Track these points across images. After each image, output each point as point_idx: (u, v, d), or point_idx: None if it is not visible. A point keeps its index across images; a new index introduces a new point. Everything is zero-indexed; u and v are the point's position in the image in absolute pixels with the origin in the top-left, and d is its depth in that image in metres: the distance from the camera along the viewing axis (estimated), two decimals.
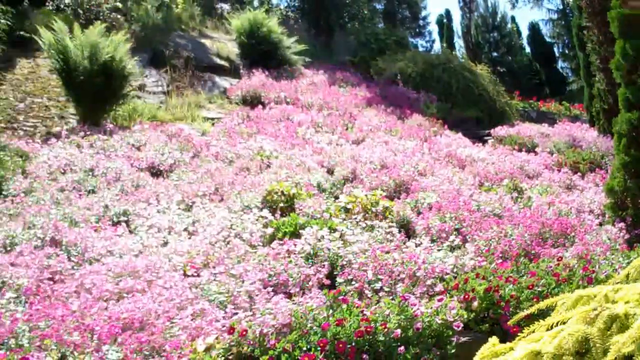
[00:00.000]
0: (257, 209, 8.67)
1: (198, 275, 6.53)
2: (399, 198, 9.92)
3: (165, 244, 7.65)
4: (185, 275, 6.60)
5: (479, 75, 21.23)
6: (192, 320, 5.42)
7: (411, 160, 11.83)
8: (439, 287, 6.37)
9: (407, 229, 8.84)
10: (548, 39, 35.71)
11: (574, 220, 8.98)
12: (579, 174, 12.52)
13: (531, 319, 4.57)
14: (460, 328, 5.49)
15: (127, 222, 8.37)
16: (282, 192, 8.87)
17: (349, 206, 8.80)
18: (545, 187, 11.30)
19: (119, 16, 18.93)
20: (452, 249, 7.90)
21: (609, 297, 4.04)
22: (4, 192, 9.03)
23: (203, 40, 20.98)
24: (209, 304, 5.79)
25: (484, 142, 16.41)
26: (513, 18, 36.58)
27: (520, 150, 14.70)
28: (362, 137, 13.95)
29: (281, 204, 8.83)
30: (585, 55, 16.27)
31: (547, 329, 3.85)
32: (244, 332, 5.06)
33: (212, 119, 15.39)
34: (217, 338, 5.18)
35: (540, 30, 34.84)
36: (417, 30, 37.06)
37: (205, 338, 5.21)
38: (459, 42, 37.20)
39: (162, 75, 17.48)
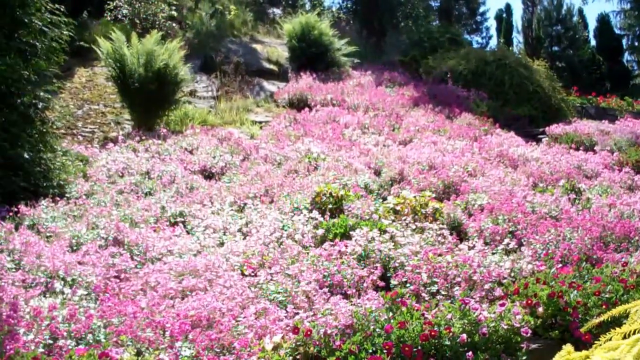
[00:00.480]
0: (306, 211, 9.22)
1: (255, 275, 7.06)
2: (448, 199, 10.16)
3: (222, 244, 8.31)
4: (242, 274, 7.13)
5: (535, 71, 21.33)
6: (256, 319, 5.80)
7: (460, 161, 12.12)
8: (498, 291, 6.49)
9: (458, 231, 8.99)
10: (617, 31, 35.61)
11: (638, 223, 8.74)
12: None
13: (602, 326, 4.60)
14: (528, 334, 5.53)
15: (183, 222, 9.06)
16: (331, 193, 9.47)
17: (398, 208, 9.22)
18: (605, 187, 11.20)
19: (174, 24, 20.03)
20: (507, 252, 8.01)
21: None
22: (67, 195, 9.79)
23: (254, 45, 21.87)
24: (269, 303, 6.19)
25: (539, 140, 16.48)
26: (581, 11, 36.70)
27: (577, 149, 14.66)
28: (409, 137, 14.41)
29: (330, 206, 9.37)
30: None
31: (624, 337, 3.77)
32: (309, 333, 5.35)
33: (260, 122, 16.16)
34: (282, 337, 5.45)
35: (609, 22, 34.78)
36: (474, 26, 37.47)
37: (272, 337, 5.50)
38: (517, 38, 37.45)
39: (212, 80, 18.38)
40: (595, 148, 14.85)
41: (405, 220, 8.80)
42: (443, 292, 6.68)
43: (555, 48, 34.50)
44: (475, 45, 34.82)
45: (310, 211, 9.23)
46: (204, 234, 8.51)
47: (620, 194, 10.77)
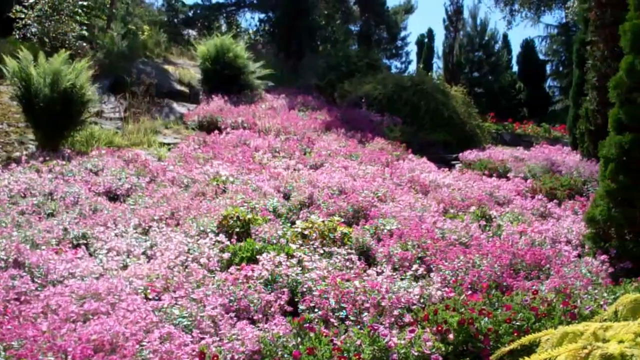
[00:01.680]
0: (213, 234, 9.48)
1: (159, 299, 7.28)
2: (357, 224, 10.48)
3: (125, 267, 8.51)
4: (146, 298, 7.33)
5: (452, 96, 22.22)
6: (160, 344, 5.95)
7: (371, 186, 12.53)
8: (408, 317, 6.78)
9: (367, 257, 9.37)
10: (542, 57, 36.95)
11: (549, 251, 9.21)
12: (555, 201, 12.85)
13: (514, 354, 4.72)
14: None
15: (86, 245, 9.25)
16: (238, 217, 9.89)
17: (306, 232, 9.58)
18: (516, 215, 11.61)
19: (84, 44, 20.20)
20: (417, 278, 8.29)
21: (598, 335, 4.10)
22: None
23: (166, 67, 22.25)
24: (174, 328, 6.37)
25: (452, 166, 17.13)
26: (505, 36, 37.88)
27: (490, 176, 15.18)
28: (320, 161, 14.85)
29: (237, 229, 9.74)
30: (582, 72, 16.67)
31: None
32: (215, 358, 5.63)
33: (169, 144, 16.46)
34: None
35: (534, 47, 36.07)
36: (394, 51, 38.36)
37: None
38: (438, 63, 38.28)
39: (120, 101, 18.62)
40: (509, 175, 15.37)
41: (313, 244, 9.16)
42: (352, 318, 7.03)
43: (476, 74, 35.56)
44: (394, 70, 35.84)
45: (217, 235, 9.50)
46: (107, 256, 8.71)
47: (532, 221, 11.28)
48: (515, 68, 36.93)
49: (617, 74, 9.30)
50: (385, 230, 10.25)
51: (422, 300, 7.58)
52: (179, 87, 20.97)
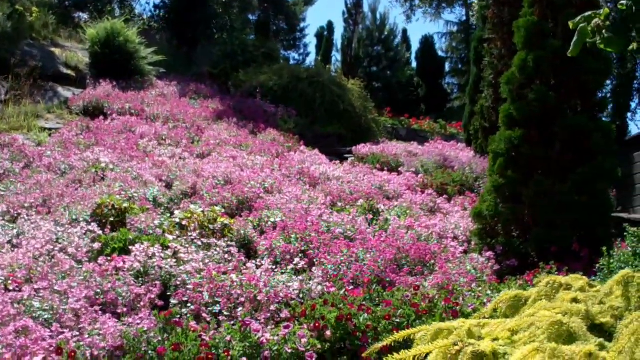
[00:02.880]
0: (86, 223, 9.18)
1: (20, 291, 6.91)
2: (241, 216, 10.37)
3: None
4: (6, 290, 6.97)
5: (348, 90, 22.12)
6: (15, 338, 5.65)
7: (258, 177, 12.36)
8: (285, 313, 6.60)
9: (248, 249, 9.20)
10: (441, 53, 37.24)
11: (435, 246, 9.15)
12: (445, 196, 12.90)
13: (391, 351, 4.49)
14: (314, 359, 5.74)
15: None
16: (113, 205, 9.58)
17: (185, 222, 9.33)
18: (404, 209, 11.50)
19: None
20: (298, 272, 8.09)
21: (473, 332, 4.15)
22: None
23: (53, 49, 21.44)
24: (32, 322, 6.04)
25: (345, 159, 17.08)
26: (405, 31, 38.01)
27: (382, 170, 15.20)
28: (208, 151, 14.65)
29: (112, 219, 9.42)
30: (479, 70, 16.86)
31: None
32: (73, 354, 5.40)
33: (50, 129, 15.93)
34: (44, 359, 5.44)
35: (433, 44, 36.10)
36: (292, 42, 38.20)
37: (32, 358, 5.42)
38: (337, 56, 38.30)
39: (1, 84, 17.91)
40: (400, 169, 15.40)
41: (191, 236, 8.89)
42: (226, 313, 6.84)
43: (374, 68, 35.53)
44: (292, 62, 35.59)
45: (90, 224, 9.17)
46: None
47: (419, 216, 11.22)
48: (414, 64, 37.03)
49: (509, 70, 9.40)
50: (270, 223, 10.09)
51: (301, 296, 7.42)
52: (65, 70, 20.25)
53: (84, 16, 26.32)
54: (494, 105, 14.79)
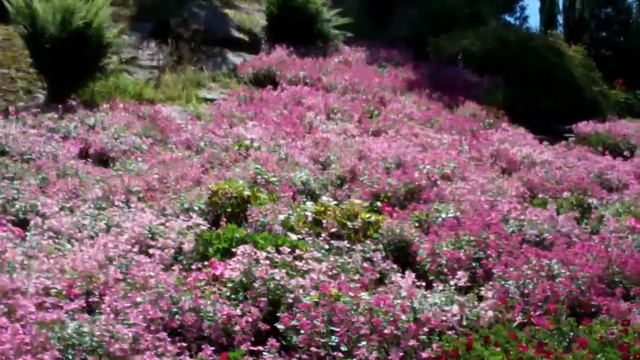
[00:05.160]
0: (201, 213, 7.76)
1: (61, 307, 5.38)
2: (406, 208, 8.60)
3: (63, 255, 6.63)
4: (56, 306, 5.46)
5: (569, 57, 20.07)
6: None
7: (440, 160, 10.57)
8: (427, 353, 5.17)
9: (405, 255, 7.45)
10: None
11: None
12: None
13: None
14: None
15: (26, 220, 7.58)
16: (232, 193, 7.88)
17: (319, 218, 7.57)
18: (627, 205, 9.27)
19: None
20: (463, 290, 6.41)
21: None
22: None
23: (226, 10, 20.28)
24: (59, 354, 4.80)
25: (561, 139, 14.91)
26: None
27: (606, 154, 12.97)
28: (385, 127, 12.90)
29: (229, 209, 7.83)
30: None
31: None
32: None
33: (213, 100, 14.78)
34: None
35: None
36: (507, 4, 35.79)
37: None
38: (561, 20, 35.80)
39: (162, 48, 16.90)
40: (635, 154, 13.26)
41: (320, 236, 7.09)
42: (344, 348, 5.17)
43: (603, 33, 32.76)
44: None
45: (207, 214, 7.78)
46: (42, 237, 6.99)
47: None
48: None
49: None
50: (440, 219, 8.14)
51: (467, 323, 5.70)
52: (237, 34, 18.91)
53: None
54: None
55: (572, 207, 9.04)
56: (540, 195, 9.78)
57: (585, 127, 15.37)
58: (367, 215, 7.62)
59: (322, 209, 7.58)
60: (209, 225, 7.35)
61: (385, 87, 15.98)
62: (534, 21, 34.79)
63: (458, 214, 8.20)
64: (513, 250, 7.09)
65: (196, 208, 7.91)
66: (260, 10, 20.98)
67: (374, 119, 13.61)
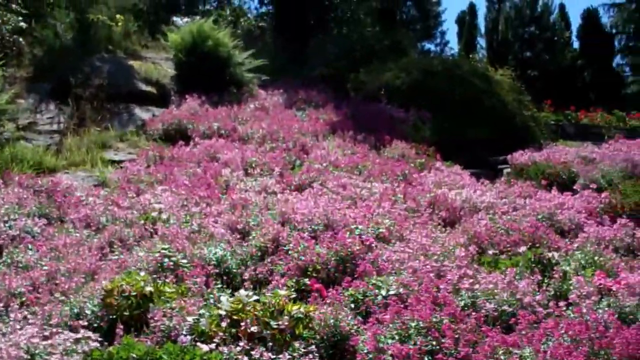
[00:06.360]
0: (94, 318, 6.56)
1: None
2: (339, 285, 7.41)
3: None
4: None
5: (496, 82, 19.45)
6: None
7: (371, 217, 9.53)
8: None
9: (341, 353, 6.35)
10: (608, 30, 34.49)
11: None
12: None
13: None
14: None
15: None
16: (129, 292, 6.58)
17: (237, 317, 6.27)
18: (590, 255, 8.27)
19: (21, 39, 17.15)
20: None
21: None
22: None
23: (131, 62, 19.06)
24: None
25: (497, 173, 14.55)
26: (562, 7, 35.38)
27: (549, 187, 12.04)
28: (309, 179, 11.80)
29: (126, 312, 6.52)
30: None
31: None
32: None
33: (120, 162, 13.60)
34: None
35: (598, 18, 33.64)
36: (427, 31, 35.76)
37: None
38: (482, 43, 35.99)
39: (63, 109, 15.65)
40: (576, 184, 12.50)
41: (237, 344, 5.89)
42: None
43: (527, 53, 32.92)
44: (428, 54, 33.03)
45: (100, 319, 6.54)
46: None
47: (615, 266, 7.93)
48: (575, 44, 34.60)
49: None
50: (380, 298, 7.01)
51: None
52: (144, 87, 17.70)
53: (180, 22, 23.73)
54: None
55: (529, 264, 7.99)
56: (490, 252, 8.75)
57: (521, 156, 14.59)
58: (295, 307, 6.32)
59: (240, 306, 6.24)
60: (100, 339, 6.05)
61: (306, 132, 15.02)
62: (454, 46, 34.62)
63: (401, 289, 7.10)
64: (472, 335, 6.00)
65: (88, 312, 6.62)
66: (168, 59, 19.95)
67: (296, 170, 12.46)
